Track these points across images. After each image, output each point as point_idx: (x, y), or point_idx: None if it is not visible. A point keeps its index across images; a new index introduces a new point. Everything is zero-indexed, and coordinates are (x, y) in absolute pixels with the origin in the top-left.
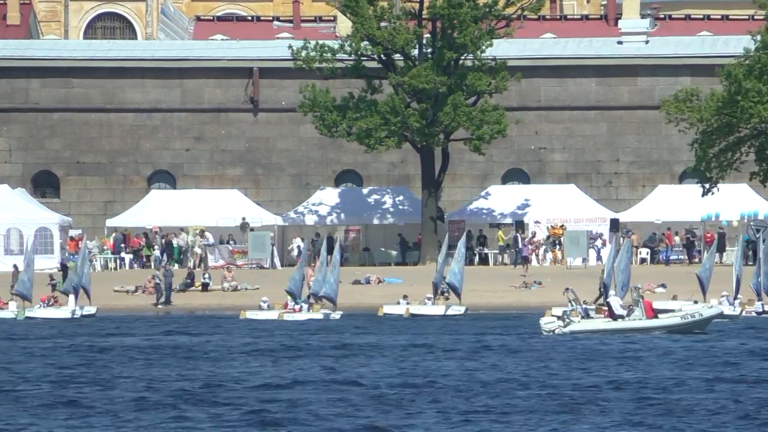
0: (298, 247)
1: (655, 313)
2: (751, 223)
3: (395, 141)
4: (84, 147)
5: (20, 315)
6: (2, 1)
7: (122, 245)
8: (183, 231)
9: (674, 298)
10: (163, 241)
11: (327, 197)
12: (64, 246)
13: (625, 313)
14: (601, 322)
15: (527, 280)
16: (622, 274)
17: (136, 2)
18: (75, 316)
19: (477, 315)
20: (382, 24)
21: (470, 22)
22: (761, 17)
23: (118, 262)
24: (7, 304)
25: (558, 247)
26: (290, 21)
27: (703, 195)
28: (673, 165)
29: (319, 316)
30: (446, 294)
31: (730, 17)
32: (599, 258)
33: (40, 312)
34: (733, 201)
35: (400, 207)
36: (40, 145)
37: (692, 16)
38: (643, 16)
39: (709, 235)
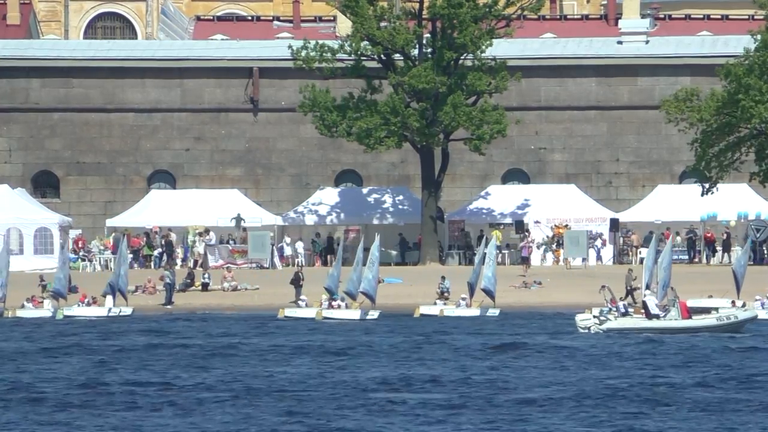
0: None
1: (689, 314)
2: (751, 223)
3: (395, 141)
4: (84, 147)
5: (59, 314)
6: (2, 1)
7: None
8: (171, 231)
9: (710, 296)
10: (163, 241)
11: (327, 197)
12: (65, 246)
13: (661, 312)
14: (637, 321)
15: (527, 280)
16: (665, 272)
17: (136, 2)
18: (110, 314)
19: (511, 315)
20: (382, 24)
21: (470, 22)
22: (761, 17)
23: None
24: (41, 302)
25: (560, 246)
26: (290, 21)
27: (702, 194)
28: (673, 165)
29: (356, 314)
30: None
31: (730, 17)
32: (599, 258)
33: (78, 311)
34: (733, 201)
35: (400, 207)
36: (40, 145)
37: (692, 16)
38: (643, 16)
39: (709, 235)
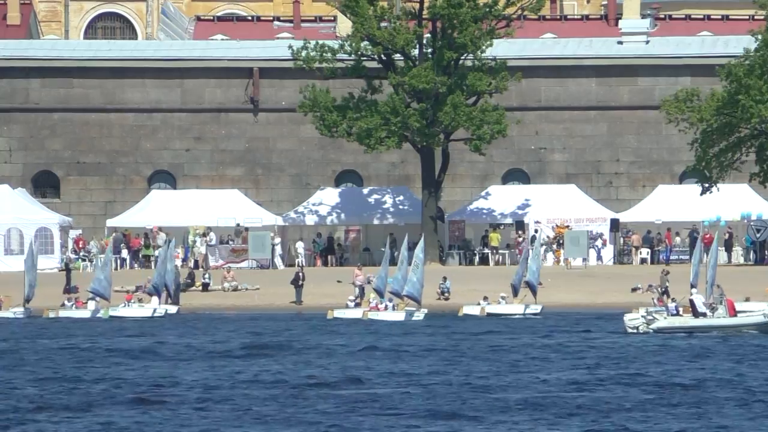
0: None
1: (736, 312)
2: (752, 223)
3: (395, 141)
4: (84, 147)
5: (105, 314)
6: (2, 1)
7: (122, 245)
8: (161, 231)
9: (747, 299)
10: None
11: (327, 197)
12: (65, 246)
13: (708, 311)
14: (685, 320)
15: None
16: (712, 271)
17: (136, 2)
18: (156, 315)
19: (554, 314)
20: (382, 24)
21: (470, 22)
22: (761, 17)
23: (118, 262)
24: (85, 303)
25: (560, 247)
26: (290, 21)
27: (701, 194)
28: (673, 165)
29: (401, 315)
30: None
31: (731, 17)
32: (599, 258)
33: (123, 311)
34: (733, 201)
35: (400, 207)
36: (40, 145)
37: (692, 16)
38: (643, 16)
39: (707, 236)
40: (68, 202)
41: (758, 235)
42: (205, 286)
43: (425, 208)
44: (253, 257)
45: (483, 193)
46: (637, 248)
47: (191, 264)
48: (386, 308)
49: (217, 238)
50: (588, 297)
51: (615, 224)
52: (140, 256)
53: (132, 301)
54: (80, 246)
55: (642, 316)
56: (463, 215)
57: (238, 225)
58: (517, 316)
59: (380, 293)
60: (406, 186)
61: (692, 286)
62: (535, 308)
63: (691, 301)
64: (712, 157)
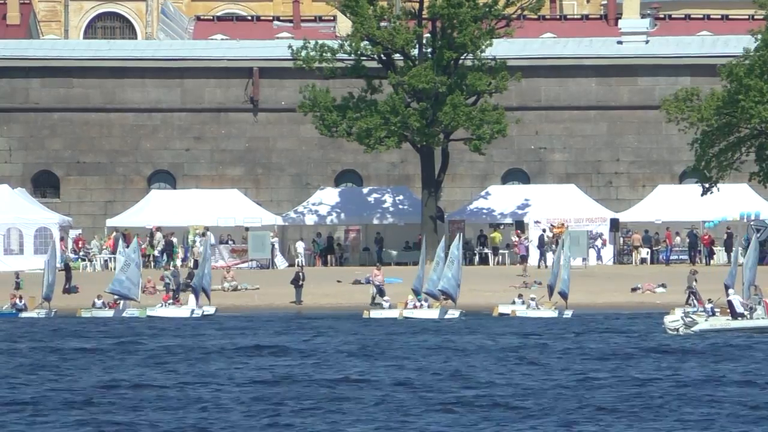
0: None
1: None
2: (752, 223)
3: (395, 141)
4: (84, 147)
5: (142, 313)
6: (2, 1)
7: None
8: (158, 231)
9: None
10: (164, 240)
11: (327, 197)
12: (65, 246)
13: (746, 312)
14: (726, 321)
15: (527, 280)
16: (750, 272)
17: (136, 2)
18: (194, 315)
19: (583, 316)
20: (382, 24)
21: (470, 21)
22: (761, 17)
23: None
24: (118, 303)
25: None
26: (290, 21)
27: (702, 194)
28: (673, 165)
29: (434, 314)
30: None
31: (730, 17)
32: (599, 258)
33: (161, 311)
34: (734, 201)
35: (400, 207)
36: (40, 145)
37: (692, 16)
38: (643, 16)
39: (706, 237)
40: (68, 201)
41: (758, 235)
42: None
43: (425, 208)
44: (253, 257)
45: (483, 193)
46: (638, 248)
47: (191, 264)
48: (421, 307)
49: (217, 238)
50: (588, 297)
51: (615, 224)
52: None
53: (169, 301)
54: (79, 246)
55: (681, 318)
56: (463, 215)
57: (247, 229)
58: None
59: (417, 293)
60: (406, 186)
61: (727, 287)
62: (567, 313)
63: (729, 302)
64: (712, 156)
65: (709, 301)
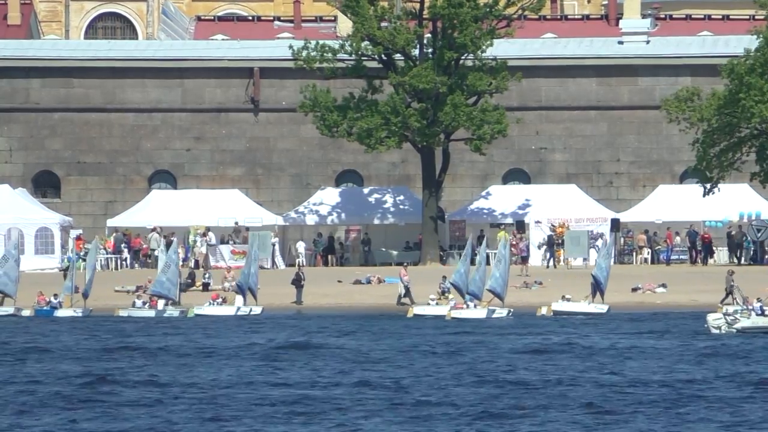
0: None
1: None
2: (753, 223)
3: (396, 141)
4: (84, 147)
5: (190, 313)
6: (3, 1)
7: (123, 245)
8: (155, 231)
9: None
10: (164, 241)
11: (327, 197)
12: (66, 246)
13: None
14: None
15: (528, 280)
16: None
17: (136, 2)
18: (239, 314)
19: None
20: (383, 24)
21: (471, 22)
22: (762, 17)
23: (118, 261)
24: (156, 302)
25: (560, 247)
26: (291, 21)
27: (704, 195)
28: (674, 165)
29: (482, 313)
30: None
31: (731, 17)
32: None
33: (208, 309)
34: (734, 201)
35: (401, 207)
36: (40, 145)
37: (693, 16)
38: (643, 16)
39: (707, 237)
40: (68, 202)
41: (758, 235)
42: (206, 286)
43: (425, 208)
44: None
45: (483, 193)
46: (641, 247)
47: (191, 264)
48: (467, 307)
49: (217, 238)
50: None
51: (615, 224)
52: (140, 255)
53: (218, 300)
54: (80, 246)
55: (724, 316)
56: (463, 215)
57: (236, 223)
58: (580, 316)
59: (460, 290)
60: (407, 186)
61: None
62: (601, 308)
63: None
64: (712, 156)
65: (758, 300)
